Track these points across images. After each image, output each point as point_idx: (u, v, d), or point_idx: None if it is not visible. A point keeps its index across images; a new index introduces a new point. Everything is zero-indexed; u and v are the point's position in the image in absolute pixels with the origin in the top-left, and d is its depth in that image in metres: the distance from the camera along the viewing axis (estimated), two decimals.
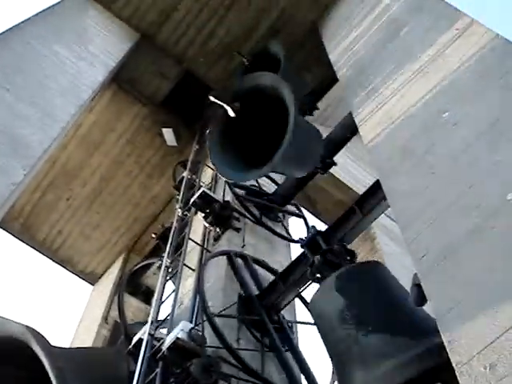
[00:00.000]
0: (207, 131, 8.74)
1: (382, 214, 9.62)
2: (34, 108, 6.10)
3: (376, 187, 5.92)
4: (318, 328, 5.22)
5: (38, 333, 4.96)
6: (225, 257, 6.25)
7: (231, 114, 6.22)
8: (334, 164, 7.40)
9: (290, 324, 6.09)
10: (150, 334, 5.46)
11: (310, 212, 9.80)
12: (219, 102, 6.28)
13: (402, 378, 4.00)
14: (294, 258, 6.40)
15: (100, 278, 11.91)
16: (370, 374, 4.22)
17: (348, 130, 7.03)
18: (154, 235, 9.62)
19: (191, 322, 5.44)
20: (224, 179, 7.89)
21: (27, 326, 5.03)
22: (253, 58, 9.09)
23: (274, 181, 8.79)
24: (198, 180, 8.65)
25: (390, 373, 4.06)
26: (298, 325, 6.52)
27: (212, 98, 6.31)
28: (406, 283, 4.94)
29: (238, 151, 6.46)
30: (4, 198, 4.84)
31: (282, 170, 6.80)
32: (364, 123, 5.14)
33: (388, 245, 9.82)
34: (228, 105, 6.26)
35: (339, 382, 4.58)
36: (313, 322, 5.46)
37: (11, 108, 5.84)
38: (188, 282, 6.57)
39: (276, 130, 6.13)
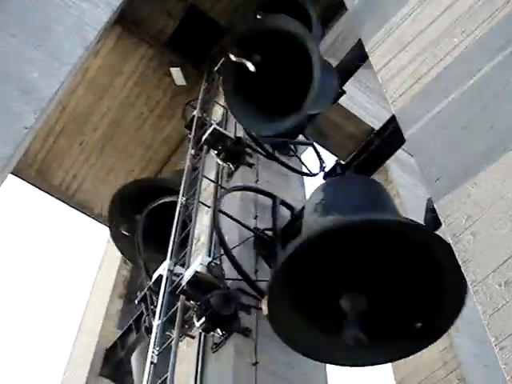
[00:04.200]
0: (221, 81, 8.70)
1: None
2: (41, 52, 6.05)
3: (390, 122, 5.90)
4: None
5: None
6: (239, 192, 6.29)
7: (251, 68, 6.08)
8: (344, 92, 7.32)
9: None
10: (169, 269, 5.58)
11: (322, 146, 9.77)
12: (240, 60, 6.11)
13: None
14: (308, 193, 6.43)
15: None
16: None
17: (358, 58, 6.89)
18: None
19: (209, 256, 5.55)
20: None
21: None
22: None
23: None
24: (208, 118, 8.63)
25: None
26: None
27: (233, 57, 6.12)
28: (420, 214, 4.98)
29: (256, 99, 6.27)
30: (17, 142, 4.87)
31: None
32: (374, 51, 5.05)
33: (401, 176, 9.83)
34: (248, 59, 6.09)
35: None
36: None
37: (18, 52, 5.80)
38: (204, 219, 6.64)
39: (294, 74, 6.06)
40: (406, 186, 9.55)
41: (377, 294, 4.13)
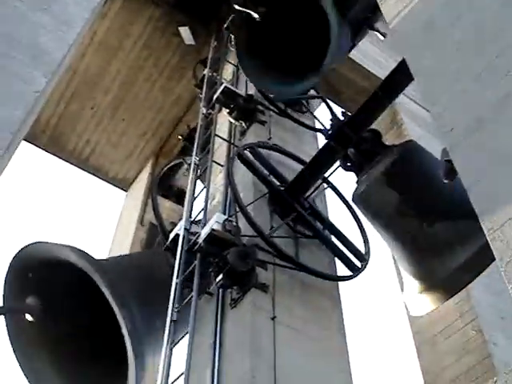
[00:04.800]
0: (231, 39, 8.53)
1: (408, 100, 9.52)
2: (48, 15, 6.00)
3: (397, 70, 5.83)
4: (372, 222, 5.29)
5: (83, 251, 5.21)
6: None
7: (256, 18, 6.00)
8: (355, 45, 7.21)
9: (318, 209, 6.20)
10: (185, 228, 5.62)
11: (335, 102, 9.69)
12: (244, 10, 6.05)
13: (487, 260, 3.97)
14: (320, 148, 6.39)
15: (132, 183, 12.14)
16: (451, 262, 4.15)
17: (368, 10, 6.73)
18: (180, 137, 9.71)
19: (225, 213, 5.57)
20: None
21: (71, 247, 5.28)
22: None
23: None
24: (219, 77, 8.55)
25: (472, 259, 4.01)
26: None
27: (237, 7, 6.05)
28: None
29: (270, 58, 6.24)
30: (29, 106, 4.86)
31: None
32: (385, 1, 4.96)
33: (415, 130, 9.75)
34: (253, 10, 6.04)
35: (406, 270, 4.60)
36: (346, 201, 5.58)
37: (25, 17, 5.75)
38: (218, 178, 6.65)
39: (308, 32, 6.01)
40: (420, 139, 9.46)
41: None
